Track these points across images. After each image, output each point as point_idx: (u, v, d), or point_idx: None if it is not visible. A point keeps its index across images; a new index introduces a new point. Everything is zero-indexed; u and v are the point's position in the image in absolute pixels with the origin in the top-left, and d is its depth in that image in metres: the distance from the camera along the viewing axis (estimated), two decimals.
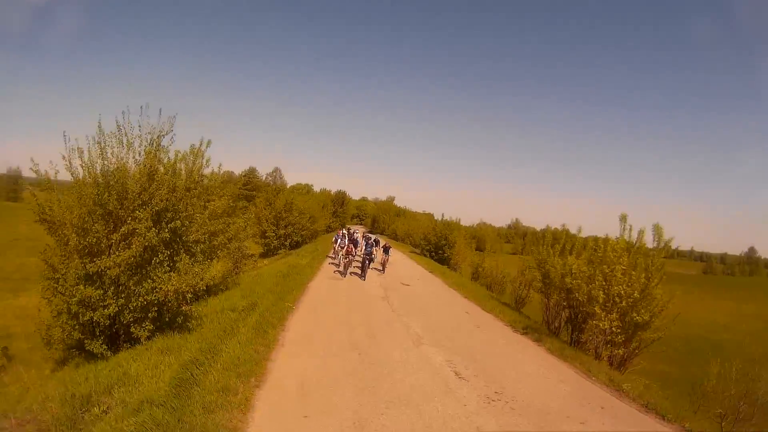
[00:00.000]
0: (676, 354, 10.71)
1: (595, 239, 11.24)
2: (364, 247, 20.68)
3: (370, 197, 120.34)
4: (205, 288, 10.22)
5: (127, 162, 9.59)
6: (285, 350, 8.64)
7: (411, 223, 56.19)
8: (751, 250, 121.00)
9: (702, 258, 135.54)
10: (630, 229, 10.24)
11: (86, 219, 8.89)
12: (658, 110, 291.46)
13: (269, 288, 14.85)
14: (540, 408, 6.75)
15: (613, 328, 9.52)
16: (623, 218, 10.17)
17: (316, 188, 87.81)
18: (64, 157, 9.28)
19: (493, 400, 6.91)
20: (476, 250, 53.49)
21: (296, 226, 38.02)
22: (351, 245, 20.29)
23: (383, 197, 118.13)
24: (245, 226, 19.73)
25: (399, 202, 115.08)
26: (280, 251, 36.32)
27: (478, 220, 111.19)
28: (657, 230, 9.89)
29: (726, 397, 8.01)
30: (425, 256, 35.80)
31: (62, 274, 8.89)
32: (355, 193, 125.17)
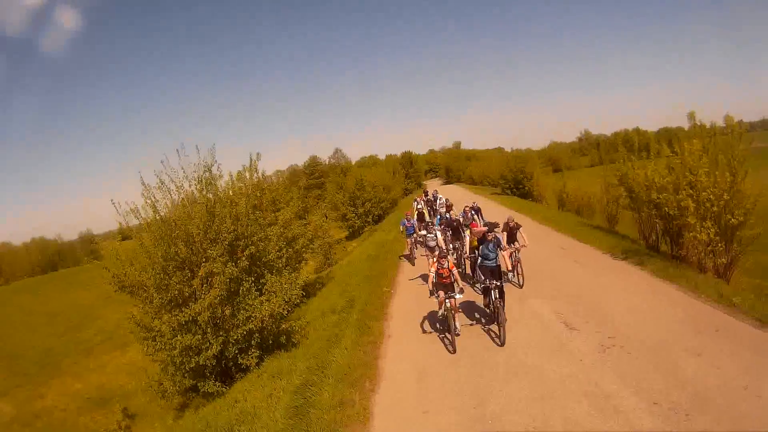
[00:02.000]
0: None
1: (669, 142, 10.27)
2: (467, 244, 10.76)
3: (436, 148, 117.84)
4: (301, 295, 10.38)
5: (185, 207, 9.77)
6: (392, 341, 8.65)
7: (483, 164, 54.66)
8: None
9: None
10: (701, 125, 9.25)
11: (162, 277, 8.97)
12: None
13: (364, 276, 14.64)
14: (655, 345, 6.56)
15: (711, 236, 8.88)
16: (692, 116, 9.24)
17: (382, 156, 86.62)
18: (120, 224, 9.86)
19: (607, 348, 6.77)
20: (554, 172, 51.03)
21: (373, 201, 37.79)
22: (446, 250, 10.23)
23: (449, 145, 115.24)
24: (322, 223, 19.98)
25: (466, 145, 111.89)
26: (365, 229, 36.56)
27: (548, 141, 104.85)
28: (728, 121, 8.84)
29: None
30: (507, 194, 34.94)
31: (157, 331, 8.99)
32: (421, 149, 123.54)
